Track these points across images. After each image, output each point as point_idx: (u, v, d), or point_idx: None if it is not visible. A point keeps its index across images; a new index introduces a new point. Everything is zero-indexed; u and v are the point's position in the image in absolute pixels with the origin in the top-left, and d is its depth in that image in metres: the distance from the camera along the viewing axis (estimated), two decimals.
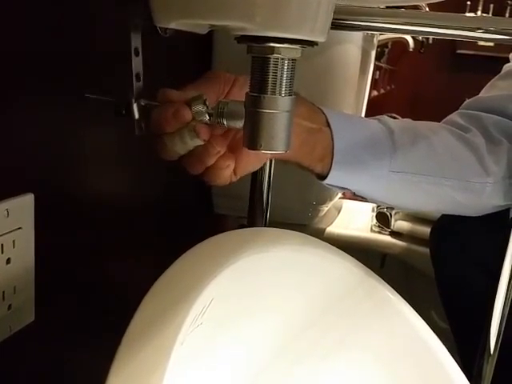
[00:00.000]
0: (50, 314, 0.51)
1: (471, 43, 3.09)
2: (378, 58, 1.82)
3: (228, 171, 0.49)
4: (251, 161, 0.52)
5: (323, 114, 0.57)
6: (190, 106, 0.44)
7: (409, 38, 1.72)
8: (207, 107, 0.44)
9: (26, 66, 0.45)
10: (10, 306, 0.46)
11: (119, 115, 0.44)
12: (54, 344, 0.54)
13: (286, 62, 0.40)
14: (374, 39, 1.15)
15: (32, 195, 0.46)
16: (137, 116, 0.44)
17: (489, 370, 0.66)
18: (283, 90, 0.40)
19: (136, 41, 0.43)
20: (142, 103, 0.45)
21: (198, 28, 0.46)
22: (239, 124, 0.43)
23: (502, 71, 0.76)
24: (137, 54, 0.43)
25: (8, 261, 0.45)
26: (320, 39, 0.40)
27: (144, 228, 0.70)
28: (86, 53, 0.52)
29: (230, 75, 0.49)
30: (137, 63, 0.44)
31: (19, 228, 0.45)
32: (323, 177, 0.58)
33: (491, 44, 3.09)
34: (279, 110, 0.40)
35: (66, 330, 0.55)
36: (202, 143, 0.45)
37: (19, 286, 0.46)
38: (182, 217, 0.85)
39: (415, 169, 0.60)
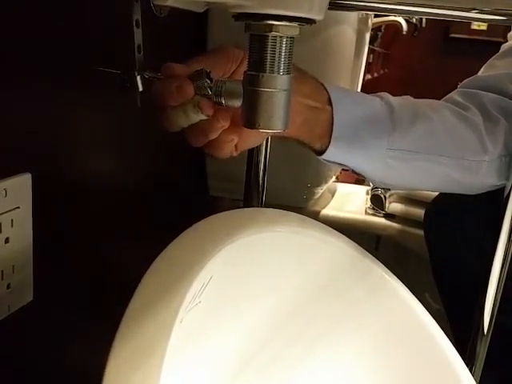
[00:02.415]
0: (48, 294, 0.51)
1: (464, 27, 3.09)
2: (371, 42, 1.81)
3: (231, 145, 0.49)
4: (252, 137, 0.52)
5: (326, 91, 0.57)
6: (192, 81, 0.44)
7: (402, 21, 1.72)
8: (210, 81, 0.44)
9: (23, 45, 0.45)
10: (8, 286, 0.46)
11: (124, 88, 0.44)
12: (52, 324, 0.54)
13: (285, 39, 0.39)
14: (369, 21, 1.15)
15: (29, 175, 0.46)
16: (141, 88, 0.44)
17: (482, 350, 0.66)
18: (281, 68, 0.40)
19: (136, 13, 0.43)
20: (146, 76, 0.45)
21: (194, 6, 0.45)
22: (237, 103, 0.43)
23: (500, 50, 0.76)
24: (138, 26, 0.43)
25: (6, 240, 0.45)
26: (318, 17, 0.40)
27: (141, 209, 0.70)
28: (85, 29, 0.52)
29: (239, 52, 0.49)
30: (138, 35, 0.44)
31: (17, 207, 0.45)
32: (321, 152, 0.59)
33: (484, 28, 3.09)
34: (278, 88, 0.40)
35: (65, 310, 0.56)
36: (206, 118, 0.45)
37: (18, 266, 0.46)
38: (178, 199, 0.85)
39: (413, 147, 0.61)
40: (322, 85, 0.57)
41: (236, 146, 0.50)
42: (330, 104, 0.56)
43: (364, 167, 0.61)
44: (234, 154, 0.51)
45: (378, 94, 0.63)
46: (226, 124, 0.46)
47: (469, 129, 0.63)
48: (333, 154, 0.58)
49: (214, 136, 0.47)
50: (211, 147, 0.48)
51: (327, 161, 0.59)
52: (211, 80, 0.44)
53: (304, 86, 0.54)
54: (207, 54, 0.48)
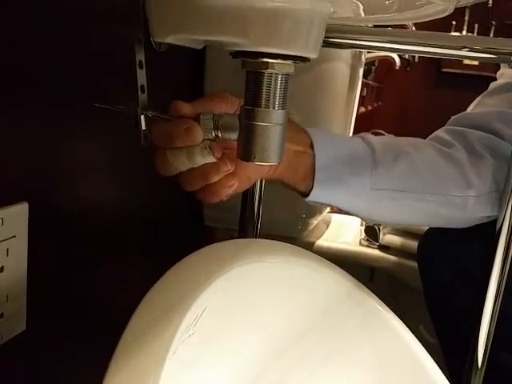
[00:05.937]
0: (41, 324, 0.51)
1: (456, 62, 3.14)
2: (365, 76, 1.84)
3: (230, 190, 0.49)
4: (243, 181, 0.53)
5: (308, 136, 0.58)
6: (198, 121, 0.44)
7: (395, 56, 1.75)
8: (214, 124, 0.45)
9: (26, 78, 0.45)
10: (1, 315, 0.46)
11: (126, 126, 0.45)
12: (45, 354, 0.53)
13: (280, 76, 0.41)
14: (362, 57, 1.17)
15: (26, 204, 0.46)
16: (144, 127, 0.45)
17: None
18: (276, 103, 0.41)
19: (140, 54, 0.44)
20: (149, 115, 0.46)
21: (193, 43, 0.47)
22: (234, 136, 0.44)
23: (489, 88, 0.77)
24: (141, 67, 0.44)
25: (1, 269, 0.45)
26: (312, 55, 0.42)
27: (135, 239, 0.70)
28: (89, 66, 0.53)
29: (235, 99, 0.50)
30: (141, 75, 0.45)
31: (13, 236, 0.45)
32: (306, 194, 0.59)
33: (476, 63, 3.15)
34: (272, 122, 0.41)
35: (57, 340, 0.55)
36: (213, 161, 0.46)
37: (12, 295, 0.46)
38: (173, 229, 0.85)
39: (396, 186, 0.61)
40: (303, 129, 0.59)
41: None
42: (312, 147, 0.58)
43: (349, 206, 0.62)
44: (225, 198, 0.51)
45: (360, 134, 0.64)
46: (232, 168, 0.47)
47: (451, 165, 0.64)
48: (317, 195, 0.59)
49: (215, 179, 0.47)
50: (207, 192, 0.49)
51: (313, 202, 0.60)
52: (214, 123, 0.45)
53: (287, 130, 0.55)
54: (209, 98, 0.49)
